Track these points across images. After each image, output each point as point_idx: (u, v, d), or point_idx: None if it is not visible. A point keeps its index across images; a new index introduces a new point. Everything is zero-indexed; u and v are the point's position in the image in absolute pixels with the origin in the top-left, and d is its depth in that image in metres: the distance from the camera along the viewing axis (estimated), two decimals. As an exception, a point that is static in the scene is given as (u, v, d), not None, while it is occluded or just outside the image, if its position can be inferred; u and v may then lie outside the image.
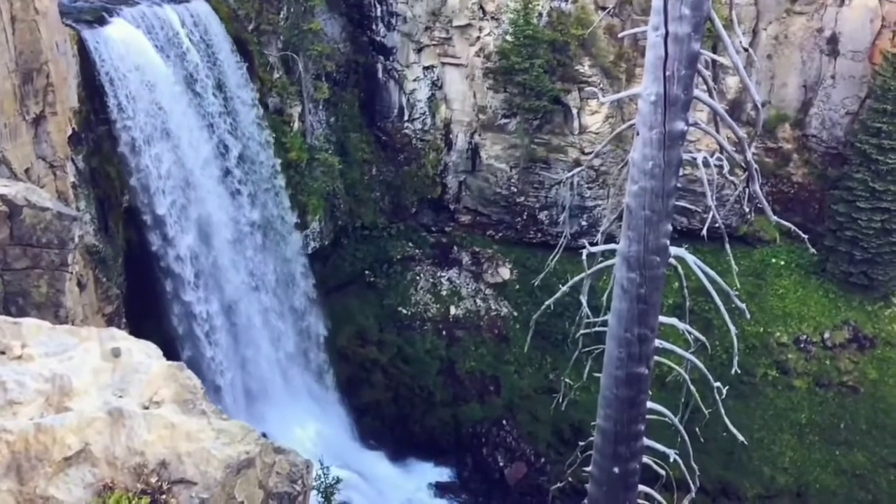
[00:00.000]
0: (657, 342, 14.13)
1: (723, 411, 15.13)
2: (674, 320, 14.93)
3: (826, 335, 44.19)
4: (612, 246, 13.90)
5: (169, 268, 32.56)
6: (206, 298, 34.65)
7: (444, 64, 44.82)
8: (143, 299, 31.07)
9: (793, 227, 14.79)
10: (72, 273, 16.25)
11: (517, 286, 46.22)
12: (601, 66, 42.98)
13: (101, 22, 28.84)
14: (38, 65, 24.04)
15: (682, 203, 15.21)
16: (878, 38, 42.69)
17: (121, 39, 29.25)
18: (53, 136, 25.11)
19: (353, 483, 35.40)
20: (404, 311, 45.22)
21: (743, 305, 15.21)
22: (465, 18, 43.22)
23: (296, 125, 40.52)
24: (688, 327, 15.00)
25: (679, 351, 15.20)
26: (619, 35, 39.36)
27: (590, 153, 42.83)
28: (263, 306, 38.57)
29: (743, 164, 13.15)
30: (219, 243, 35.47)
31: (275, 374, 38.97)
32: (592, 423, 15.32)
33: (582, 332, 15.94)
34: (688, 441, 15.61)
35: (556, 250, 16.24)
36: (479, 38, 43.63)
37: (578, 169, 21.48)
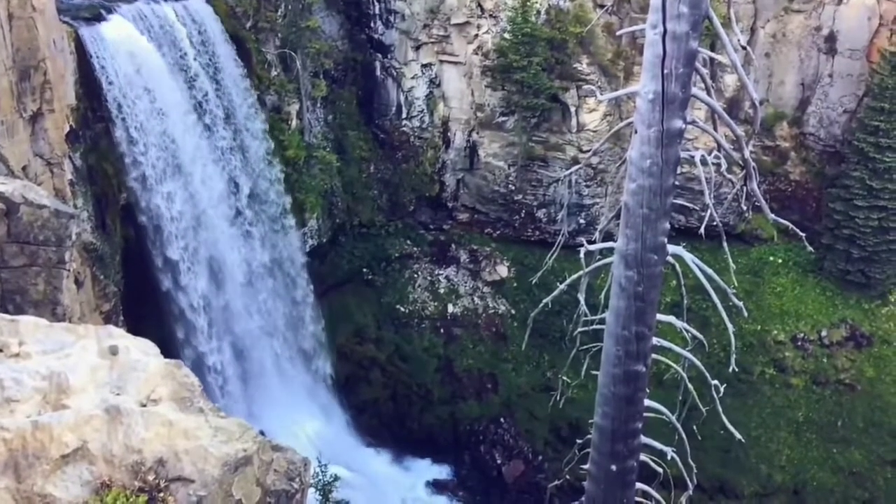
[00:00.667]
0: (655, 340, 14.15)
1: (720, 409, 15.16)
2: (671, 318, 14.94)
3: (823, 333, 44.25)
4: (610, 244, 13.91)
5: (182, 314, 31.82)
6: (220, 348, 34.08)
7: (442, 62, 44.78)
8: (140, 297, 31.01)
9: (790, 226, 14.82)
10: (69, 271, 16.22)
11: (515, 284, 46.23)
12: (599, 64, 42.97)
13: (99, 19, 28.71)
14: (36, 62, 23.99)
15: (679, 201, 15.23)
16: (876, 36, 42.70)
17: (127, 52, 28.29)
18: (51, 134, 25.05)
19: (350, 481, 35.39)
20: (402, 310, 45.22)
21: (740, 303, 15.25)
22: (464, 16, 43.18)
23: (294, 123, 40.47)
24: (685, 325, 15.02)
25: (677, 349, 15.22)
26: (618, 33, 39.34)
27: (588, 151, 42.80)
28: (275, 351, 38.14)
29: (741, 163, 13.16)
30: (231, 287, 34.74)
31: (273, 373, 38.91)
32: (590, 421, 15.34)
33: (580, 330, 15.95)
34: (685, 439, 15.63)
35: (554, 248, 16.23)
36: (477, 35, 43.60)
37: (576, 167, 21.49)
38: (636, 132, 12.29)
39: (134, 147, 28.99)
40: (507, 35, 42.34)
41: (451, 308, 45.46)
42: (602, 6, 41.77)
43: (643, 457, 15.45)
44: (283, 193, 37.95)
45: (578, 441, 16.60)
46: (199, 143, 32.37)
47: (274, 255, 37.75)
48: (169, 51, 30.62)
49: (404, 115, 46.09)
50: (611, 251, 13.79)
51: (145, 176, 29.47)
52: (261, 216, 36.53)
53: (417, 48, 44.60)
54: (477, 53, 43.83)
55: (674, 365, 15.64)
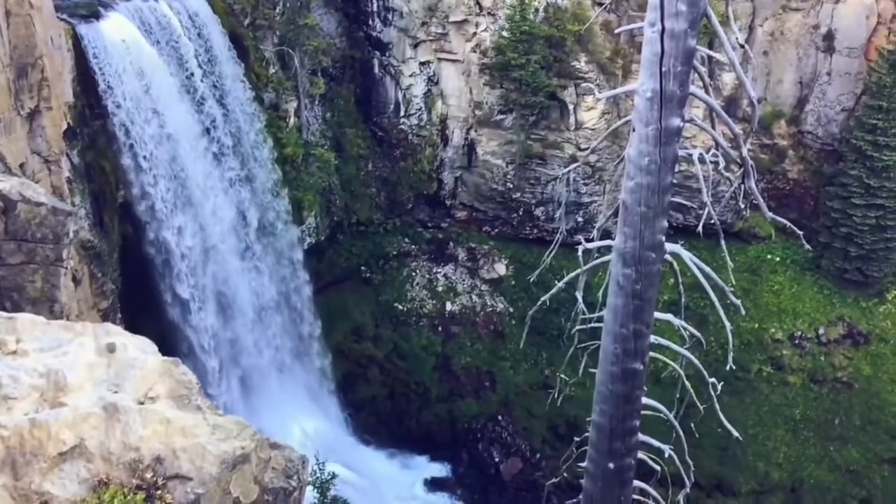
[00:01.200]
0: (653, 338, 14.18)
1: (717, 407, 15.18)
2: (669, 316, 14.97)
3: (821, 331, 44.30)
4: (607, 242, 13.94)
5: (191, 350, 31.11)
6: (229, 387, 33.47)
7: (440, 59, 44.73)
8: (138, 294, 30.93)
9: (788, 224, 14.86)
10: (67, 268, 16.22)
11: (513, 282, 46.23)
12: (597, 62, 42.94)
13: (97, 16, 28.50)
14: (33, 59, 23.92)
15: (677, 199, 15.25)
16: (874, 34, 42.74)
17: (134, 71, 27.25)
18: (48, 131, 24.98)
19: (348, 479, 35.37)
20: (400, 307, 45.20)
21: (738, 301, 15.29)
22: (462, 14, 43.14)
23: (291, 121, 40.41)
24: (683, 323, 15.04)
25: (675, 347, 15.25)
26: (616, 31, 39.32)
27: (586, 149, 42.80)
28: (283, 384, 37.84)
29: (738, 161, 13.17)
30: (241, 322, 34.10)
31: (271, 370, 38.85)
32: (588, 419, 15.37)
33: (577, 328, 15.98)
34: (682, 436, 15.67)
35: (552, 246, 16.25)
36: (475, 33, 43.56)
37: (574, 165, 21.50)
38: (634, 130, 12.31)
39: (143, 175, 27.88)
40: (505, 33, 42.30)
41: (449, 306, 45.46)
42: (600, 4, 41.77)
43: (641, 454, 15.48)
44: (292, 225, 37.31)
45: (576, 439, 16.63)
46: (211, 172, 31.16)
47: (281, 288, 37.01)
48: (177, 70, 29.26)
49: (402, 113, 46.06)
50: (609, 249, 13.81)
51: (154, 208, 28.55)
52: (268, 249, 35.77)
53: (416, 46, 44.55)
54: (475, 51, 43.79)
55: (671, 363, 15.67)
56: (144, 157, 28.09)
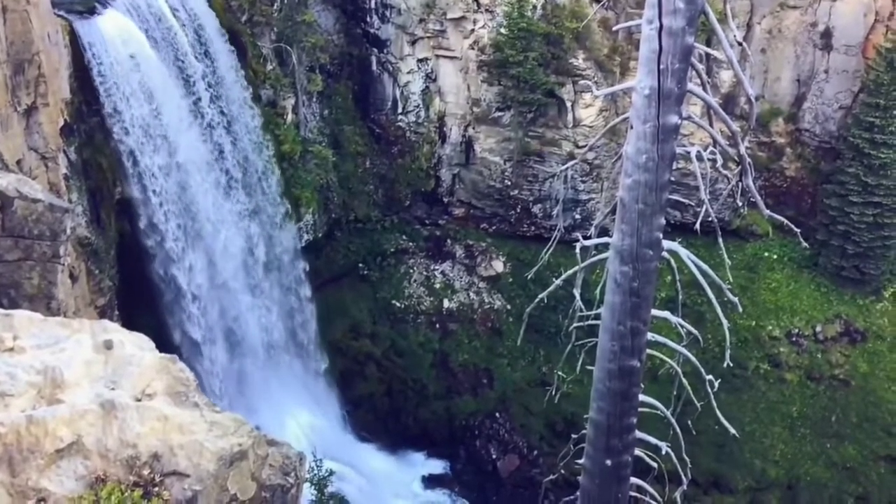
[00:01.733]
0: (650, 335, 14.19)
1: (715, 404, 15.22)
2: (666, 313, 15.00)
3: (818, 329, 44.37)
4: (605, 239, 13.95)
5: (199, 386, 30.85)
6: (228, 395, 33.43)
7: (438, 56, 44.69)
8: (135, 291, 30.88)
9: (785, 222, 14.90)
10: (64, 265, 16.19)
11: (511, 279, 46.25)
12: (595, 60, 42.93)
13: (92, 12, 28.37)
14: (30, 55, 23.88)
15: (675, 197, 15.26)
16: (872, 32, 42.76)
17: (143, 91, 26.59)
18: (45, 128, 24.94)
19: (345, 475, 35.41)
20: (398, 304, 45.20)
21: (735, 299, 15.30)
22: (460, 11, 43.09)
23: (289, 117, 40.36)
24: (680, 321, 15.07)
25: (671, 344, 15.27)
26: (614, 28, 39.33)
27: (584, 146, 42.78)
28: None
29: (736, 158, 13.19)
30: (251, 363, 34.00)
31: (268, 367, 38.85)
32: (585, 416, 15.40)
33: (575, 325, 15.99)
34: (680, 434, 15.71)
35: (549, 244, 16.25)
36: (473, 30, 43.53)
37: (572, 162, 21.53)
38: (632, 128, 12.31)
39: (153, 209, 27.49)
40: (503, 30, 42.27)
41: (446, 303, 45.47)
42: (598, 1, 41.73)
43: (638, 451, 15.50)
44: (300, 258, 37.08)
45: (573, 436, 16.66)
46: (221, 204, 30.48)
47: (288, 323, 36.91)
48: (185, 93, 28.38)
49: (400, 110, 46.02)
50: (606, 246, 13.82)
51: (164, 244, 28.09)
52: (274, 284, 35.52)
53: (413, 43, 44.49)
54: (473, 48, 43.75)
55: (669, 360, 15.70)
56: (154, 192, 27.67)
